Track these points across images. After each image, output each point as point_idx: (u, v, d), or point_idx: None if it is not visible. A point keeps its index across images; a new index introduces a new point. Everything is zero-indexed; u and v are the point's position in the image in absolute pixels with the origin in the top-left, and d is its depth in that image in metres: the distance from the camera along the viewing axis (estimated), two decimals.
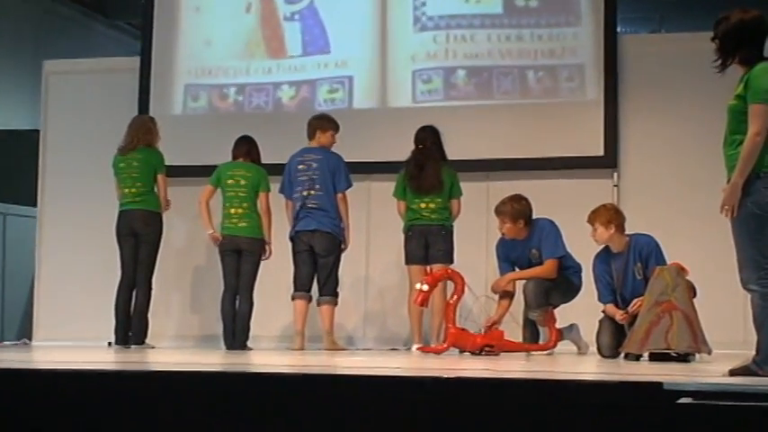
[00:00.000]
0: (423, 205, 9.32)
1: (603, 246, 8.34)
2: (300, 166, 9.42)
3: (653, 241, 8.17)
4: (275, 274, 9.78)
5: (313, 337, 9.41)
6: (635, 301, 7.94)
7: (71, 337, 10.39)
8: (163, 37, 11.57)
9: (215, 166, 9.72)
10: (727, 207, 5.22)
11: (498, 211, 8.87)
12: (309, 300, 9.36)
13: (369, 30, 11.15)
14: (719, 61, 5.41)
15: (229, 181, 9.51)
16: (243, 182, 9.49)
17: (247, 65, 11.41)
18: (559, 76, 10.62)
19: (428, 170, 9.32)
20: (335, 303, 9.35)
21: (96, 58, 12.09)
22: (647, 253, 8.09)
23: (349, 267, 9.78)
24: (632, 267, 8.13)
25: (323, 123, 9.57)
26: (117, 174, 9.69)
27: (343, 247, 9.46)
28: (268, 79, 11.35)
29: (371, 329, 10.69)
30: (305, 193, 9.35)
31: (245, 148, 9.65)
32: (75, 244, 11.25)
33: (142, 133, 9.68)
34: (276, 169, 9.69)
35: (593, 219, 8.26)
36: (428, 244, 9.31)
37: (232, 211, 9.47)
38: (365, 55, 11.12)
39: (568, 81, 10.60)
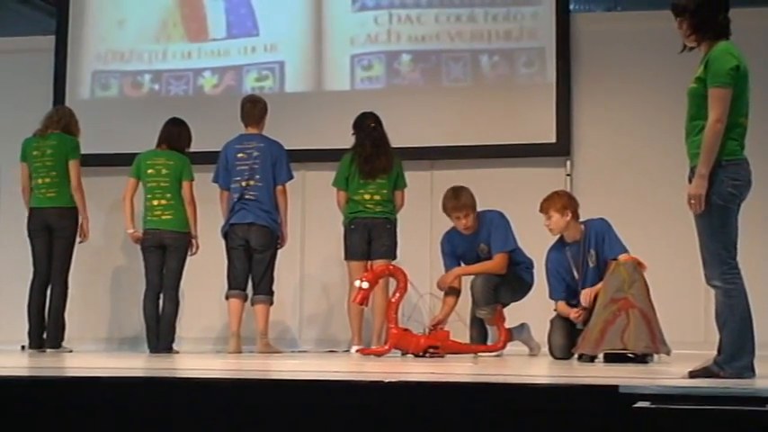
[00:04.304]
0: (367, 196, 9.31)
1: (557, 237, 8.38)
2: (240, 155, 9.35)
3: (605, 223, 8.20)
4: (202, 270, 9.75)
5: (246, 339, 9.36)
6: (584, 291, 7.99)
7: None
8: (78, 15, 11.31)
9: (133, 155, 9.63)
10: (694, 201, 5.21)
11: (459, 206, 8.82)
12: (245, 299, 9.32)
13: (302, 9, 10.94)
14: (692, 36, 5.39)
15: (149, 171, 9.43)
16: (164, 171, 9.41)
17: (164, 49, 11.14)
18: (517, 60, 10.47)
19: (383, 151, 9.32)
20: (271, 303, 9.33)
21: (6, 37, 11.94)
22: (601, 236, 8.11)
23: (284, 264, 9.76)
24: (588, 255, 8.16)
25: (263, 107, 9.52)
26: (29, 160, 9.56)
27: (279, 243, 9.44)
28: (187, 65, 11.08)
29: (308, 330, 10.68)
30: (243, 184, 9.31)
31: (165, 133, 9.53)
32: None
33: (57, 119, 9.57)
34: (199, 158, 9.62)
35: (546, 207, 8.27)
36: (371, 238, 9.30)
37: (155, 202, 9.40)
38: (298, 38, 10.91)
39: (527, 66, 10.46)
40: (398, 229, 9.41)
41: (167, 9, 11.22)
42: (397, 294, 8.53)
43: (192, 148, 9.62)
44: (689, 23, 5.38)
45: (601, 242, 8.10)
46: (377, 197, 9.33)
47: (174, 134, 9.54)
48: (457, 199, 8.81)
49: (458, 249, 9.00)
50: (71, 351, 9.42)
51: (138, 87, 11.17)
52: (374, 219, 9.32)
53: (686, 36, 5.40)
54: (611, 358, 7.41)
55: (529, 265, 8.94)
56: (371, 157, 9.32)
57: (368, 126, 9.41)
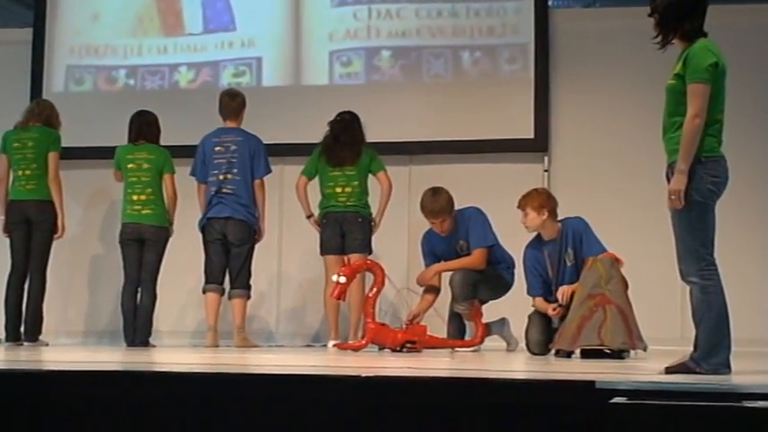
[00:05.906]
0: (338, 189, 9.30)
1: (535, 234, 8.38)
2: (218, 148, 9.34)
3: (582, 222, 8.19)
4: (179, 264, 9.72)
5: (224, 333, 9.35)
6: (562, 288, 7.99)
7: None
8: (54, 8, 11.23)
9: (109, 148, 9.58)
10: (674, 197, 5.21)
11: (435, 212, 8.77)
12: (222, 293, 9.31)
13: (280, 4, 10.89)
14: (660, 37, 5.42)
15: (130, 165, 9.38)
16: (146, 165, 9.37)
17: (139, 43, 11.04)
18: (499, 57, 10.41)
19: (345, 139, 9.31)
20: (248, 297, 9.33)
21: None
22: (578, 235, 8.12)
23: (261, 258, 9.71)
24: (566, 254, 8.16)
25: (242, 101, 9.49)
26: (9, 152, 9.51)
27: (257, 237, 9.43)
28: (163, 60, 11.01)
29: (285, 324, 10.67)
30: (221, 177, 9.30)
31: (139, 127, 9.45)
32: None
33: (39, 111, 9.51)
34: (175, 152, 9.55)
35: (523, 204, 8.27)
36: (344, 232, 9.30)
37: (134, 197, 9.35)
38: (275, 33, 10.85)
39: (510, 63, 10.41)
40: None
41: (143, 3, 11.13)
42: (375, 289, 8.53)
43: (168, 143, 9.56)
44: (656, 23, 5.41)
45: (578, 241, 8.10)
46: (348, 189, 9.31)
47: (147, 126, 9.47)
48: (434, 203, 8.77)
49: (437, 249, 8.98)
50: (47, 344, 9.37)
51: (113, 82, 11.08)
52: (345, 213, 9.31)
53: (654, 36, 5.43)
54: (588, 354, 7.42)
55: (510, 264, 8.92)
56: (333, 145, 9.32)
57: (334, 120, 9.42)
